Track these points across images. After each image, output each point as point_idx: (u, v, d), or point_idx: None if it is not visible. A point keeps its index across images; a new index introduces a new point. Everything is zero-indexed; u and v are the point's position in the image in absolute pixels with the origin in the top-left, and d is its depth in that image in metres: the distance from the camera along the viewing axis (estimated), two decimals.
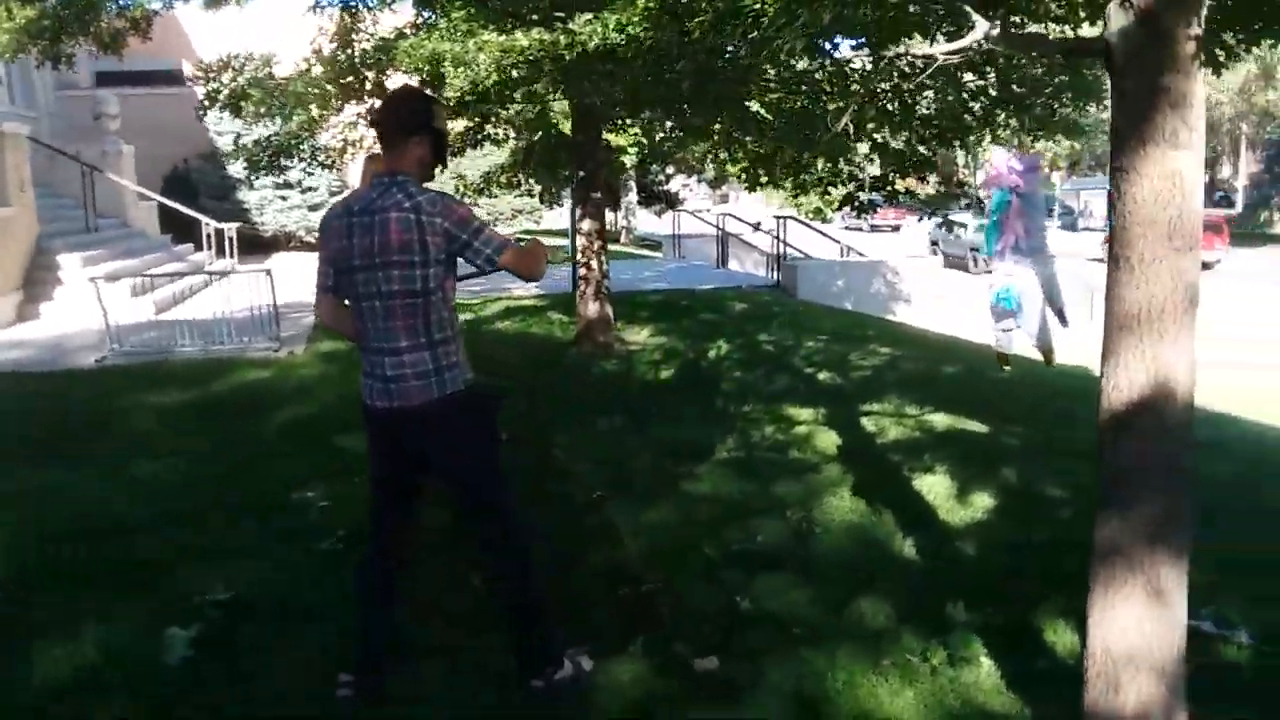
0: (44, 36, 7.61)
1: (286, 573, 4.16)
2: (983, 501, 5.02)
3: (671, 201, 31.07)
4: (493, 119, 9.32)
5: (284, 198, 23.35)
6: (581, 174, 9.13)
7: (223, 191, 22.87)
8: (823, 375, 8.35)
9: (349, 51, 8.23)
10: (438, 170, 3.25)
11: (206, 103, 8.55)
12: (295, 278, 15.85)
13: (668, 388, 7.95)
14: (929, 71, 6.14)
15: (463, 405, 3.13)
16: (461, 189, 12.07)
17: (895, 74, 6.56)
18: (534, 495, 5.11)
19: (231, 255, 16.67)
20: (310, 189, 23.65)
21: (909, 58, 5.26)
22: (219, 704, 3.17)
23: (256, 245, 22.14)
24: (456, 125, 9.28)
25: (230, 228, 16.83)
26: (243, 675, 3.33)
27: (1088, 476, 2.83)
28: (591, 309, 9.30)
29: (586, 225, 9.28)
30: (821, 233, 19.21)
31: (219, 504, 5.01)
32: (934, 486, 5.22)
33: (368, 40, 8.40)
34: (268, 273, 10.26)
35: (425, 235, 2.98)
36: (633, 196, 32.65)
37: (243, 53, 8.65)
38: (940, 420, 6.68)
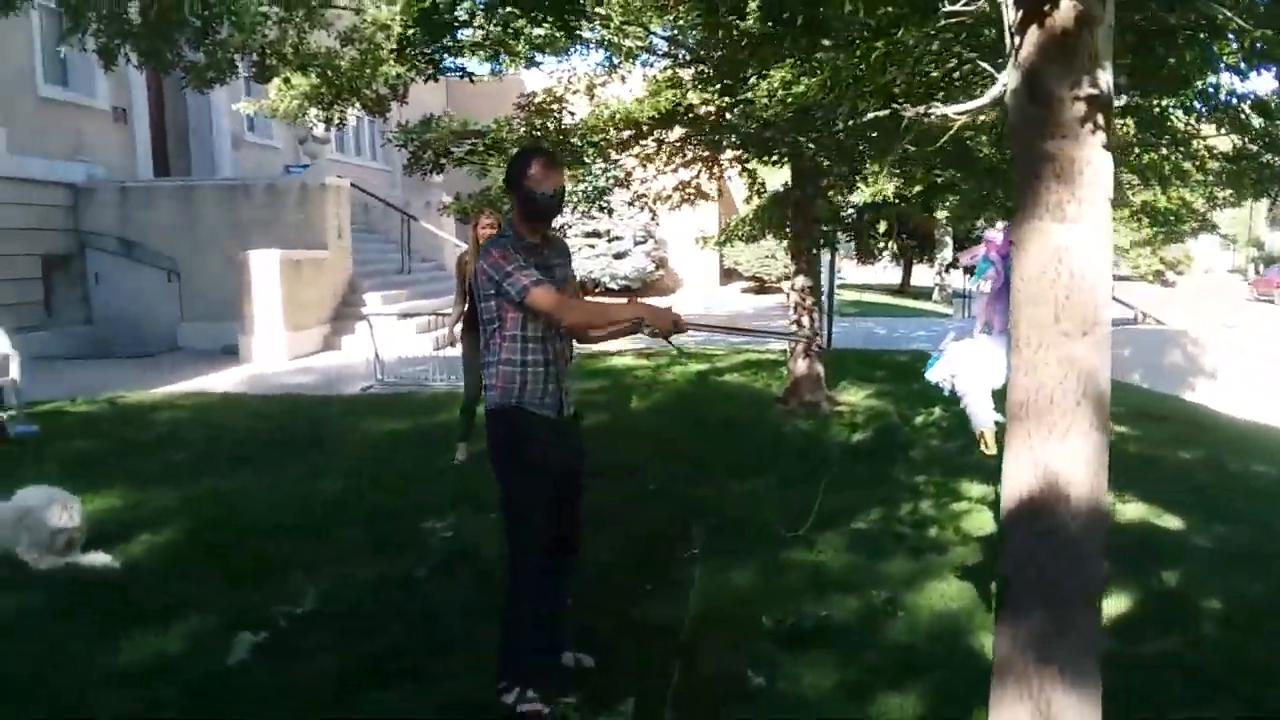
0: (322, 102, 8.71)
1: (371, 594, 4.53)
2: (1117, 607, 4.47)
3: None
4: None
5: (592, 246, 24.90)
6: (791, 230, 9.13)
7: None
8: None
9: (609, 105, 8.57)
10: (535, 222, 3.58)
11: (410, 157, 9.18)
12: None
13: (852, 450, 7.69)
14: None
15: (487, 424, 3.61)
16: (702, 241, 12.41)
17: None
18: (630, 541, 5.20)
19: None
20: (616, 238, 25.17)
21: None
22: (243, 709, 3.51)
23: None
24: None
25: None
26: (276, 688, 3.67)
27: None
28: (800, 366, 9.19)
29: (799, 281, 9.21)
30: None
31: (358, 522, 5.53)
32: None
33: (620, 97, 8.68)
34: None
35: (480, 277, 3.49)
36: (948, 253, 31.43)
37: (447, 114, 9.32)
38: (1133, 511, 6.00)
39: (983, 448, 3.37)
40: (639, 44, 7.67)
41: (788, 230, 9.62)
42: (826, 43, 4.23)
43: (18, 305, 12.94)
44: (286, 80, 8.36)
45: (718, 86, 7.22)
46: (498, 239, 3.59)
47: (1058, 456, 2.17)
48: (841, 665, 3.85)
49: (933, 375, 3.13)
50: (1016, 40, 2.10)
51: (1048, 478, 2.19)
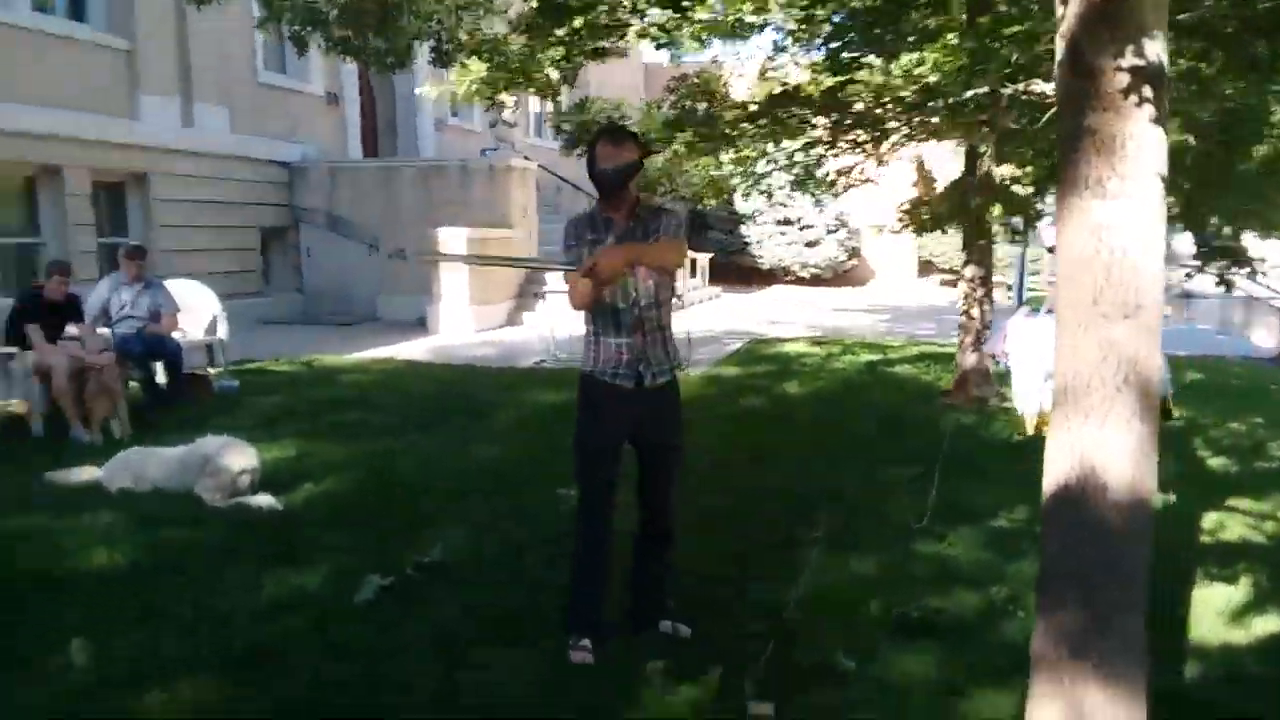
0: (497, 87, 9.10)
1: (499, 549, 4.79)
2: (1266, 627, 4.17)
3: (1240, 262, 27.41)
4: None
5: (783, 233, 24.69)
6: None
7: (731, 225, 24.84)
8: (1218, 460, 7.21)
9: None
10: (603, 197, 3.71)
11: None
12: (771, 308, 16.92)
13: (1010, 448, 7.40)
14: None
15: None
16: (875, 229, 12.15)
17: None
18: (761, 523, 5.25)
19: (707, 283, 18.21)
20: (808, 226, 24.87)
21: None
22: (358, 643, 3.81)
23: (754, 276, 23.80)
24: None
25: (703, 258, 18.37)
26: (389, 626, 3.96)
27: None
28: (969, 360, 8.88)
29: (970, 271, 8.90)
30: None
31: (503, 487, 5.82)
32: (1215, 599, 4.42)
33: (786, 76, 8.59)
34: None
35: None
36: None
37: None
38: None
39: (1021, 430, 3.18)
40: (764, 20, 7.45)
41: (961, 220, 9.29)
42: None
43: (240, 273, 14.18)
44: (463, 65, 8.77)
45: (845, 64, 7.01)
46: (576, 216, 3.83)
47: (1095, 445, 2.09)
48: (944, 658, 3.76)
49: (989, 347, 2.98)
50: (1060, 10, 2.03)
51: (1084, 466, 2.11)
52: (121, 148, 12.35)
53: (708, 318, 15.87)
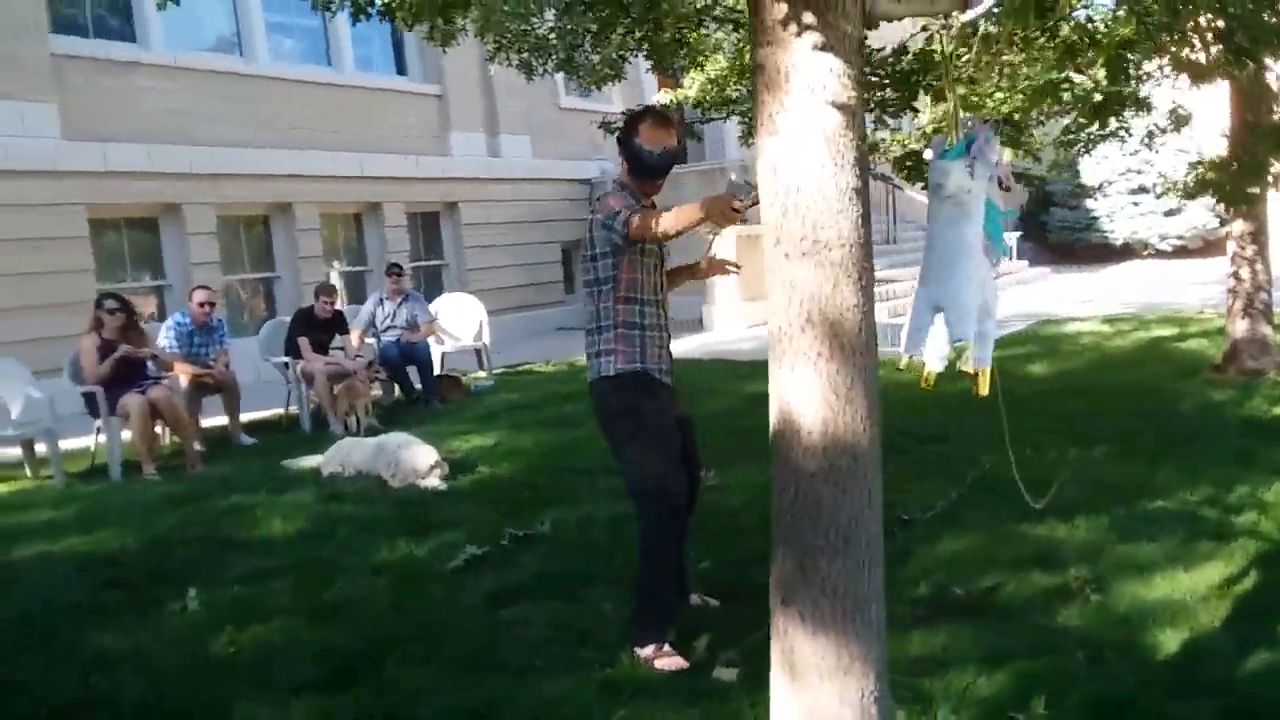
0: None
1: (606, 523, 5.05)
2: None
3: None
4: None
5: (1136, 204, 22.49)
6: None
7: (1076, 201, 23.07)
8: None
9: None
10: (644, 180, 3.61)
11: None
12: (1102, 286, 15.71)
13: (1267, 425, 6.46)
14: None
15: (603, 391, 3.62)
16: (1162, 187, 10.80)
17: None
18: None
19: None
20: (1167, 190, 22.45)
21: None
22: (420, 600, 4.26)
23: (1106, 254, 21.92)
24: None
25: (1011, 237, 17.30)
26: (460, 585, 4.37)
27: None
28: (1239, 328, 7.82)
29: (1239, 227, 7.82)
30: None
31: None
32: None
33: None
34: None
35: (592, 232, 3.55)
36: None
37: None
38: None
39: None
40: None
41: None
42: None
43: (541, 284, 15.47)
44: (699, 67, 9.04)
45: None
46: (615, 190, 3.60)
47: (788, 388, 1.99)
48: (956, 638, 3.53)
49: None
50: None
51: (782, 411, 2.01)
52: (435, 181, 13.98)
53: (1013, 300, 14.97)
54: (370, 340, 9.04)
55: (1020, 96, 4.18)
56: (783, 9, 1.90)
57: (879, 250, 16.82)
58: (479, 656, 3.65)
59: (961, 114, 2.84)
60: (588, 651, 3.63)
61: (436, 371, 9.48)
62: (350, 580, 4.52)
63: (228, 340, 8.25)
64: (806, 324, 1.96)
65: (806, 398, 1.98)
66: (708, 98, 9.19)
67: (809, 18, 1.89)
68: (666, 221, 3.31)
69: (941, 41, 3.41)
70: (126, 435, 7.12)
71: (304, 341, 8.21)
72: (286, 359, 8.37)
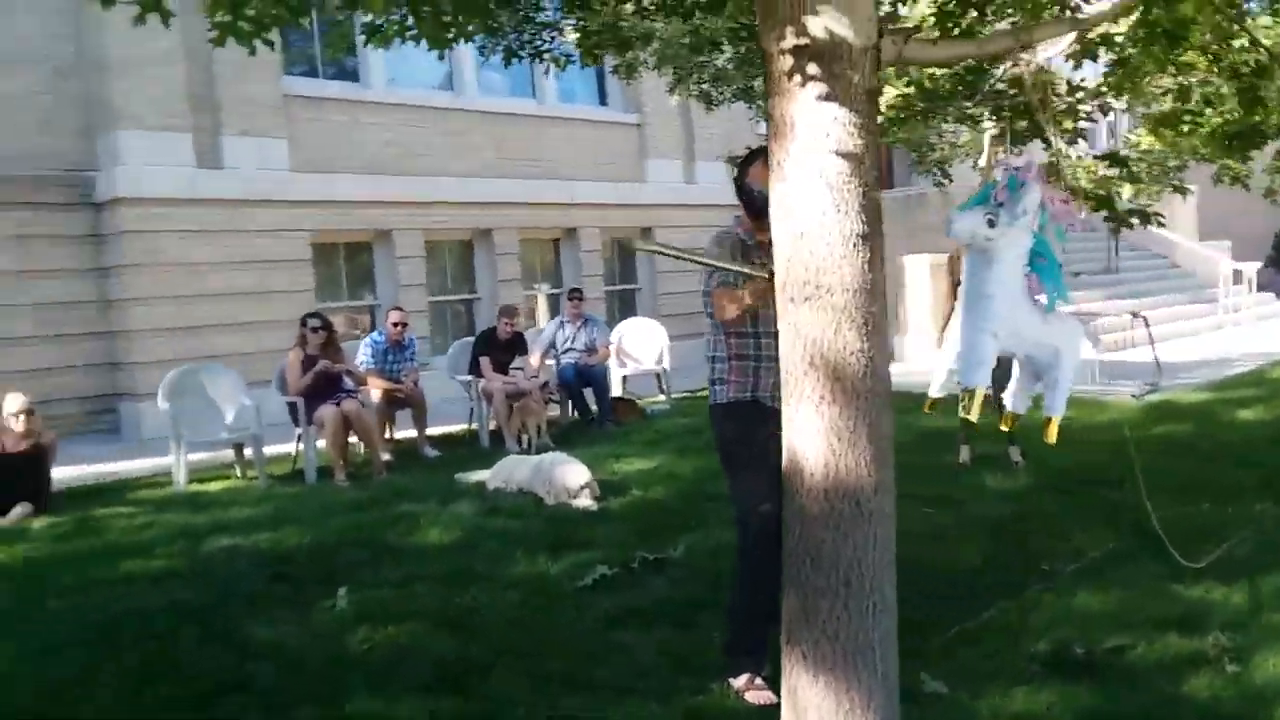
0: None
1: (719, 554, 5.09)
2: None
3: None
4: None
5: None
6: None
7: None
8: None
9: None
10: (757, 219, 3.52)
11: None
12: None
13: None
14: None
15: (718, 418, 3.75)
16: None
17: None
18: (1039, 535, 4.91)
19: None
20: None
21: None
22: (541, 616, 4.45)
23: None
24: None
25: (1250, 267, 15.95)
26: (584, 604, 4.53)
27: None
28: None
29: None
30: None
31: None
32: None
33: None
34: (1134, 314, 10.16)
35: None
36: None
37: None
38: None
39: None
40: None
41: None
42: None
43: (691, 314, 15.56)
44: None
45: None
46: (722, 233, 3.67)
47: (794, 429, 2.01)
48: (1082, 699, 3.36)
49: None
50: None
51: (789, 452, 2.03)
52: (631, 208, 14.39)
53: (1245, 337, 13.84)
54: (550, 362, 9.42)
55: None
56: (789, 61, 1.94)
57: (1099, 280, 15.91)
58: (581, 674, 3.78)
59: (1001, 157, 2.75)
60: (686, 678, 3.70)
61: (615, 394, 9.76)
62: (485, 591, 4.76)
63: (418, 359, 8.83)
64: (810, 367, 1.98)
65: (810, 440, 1.99)
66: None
67: (813, 69, 1.92)
68: (730, 310, 3.42)
69: (1024, 79, 3.29)
70: (322, 444, 7.76)
71: (485, 361, 8.67)
72: (469, 377, 8.86)
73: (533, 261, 13.84)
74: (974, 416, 2.58)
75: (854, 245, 1.94)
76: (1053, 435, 2.87)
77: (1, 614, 4.70)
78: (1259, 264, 17.33)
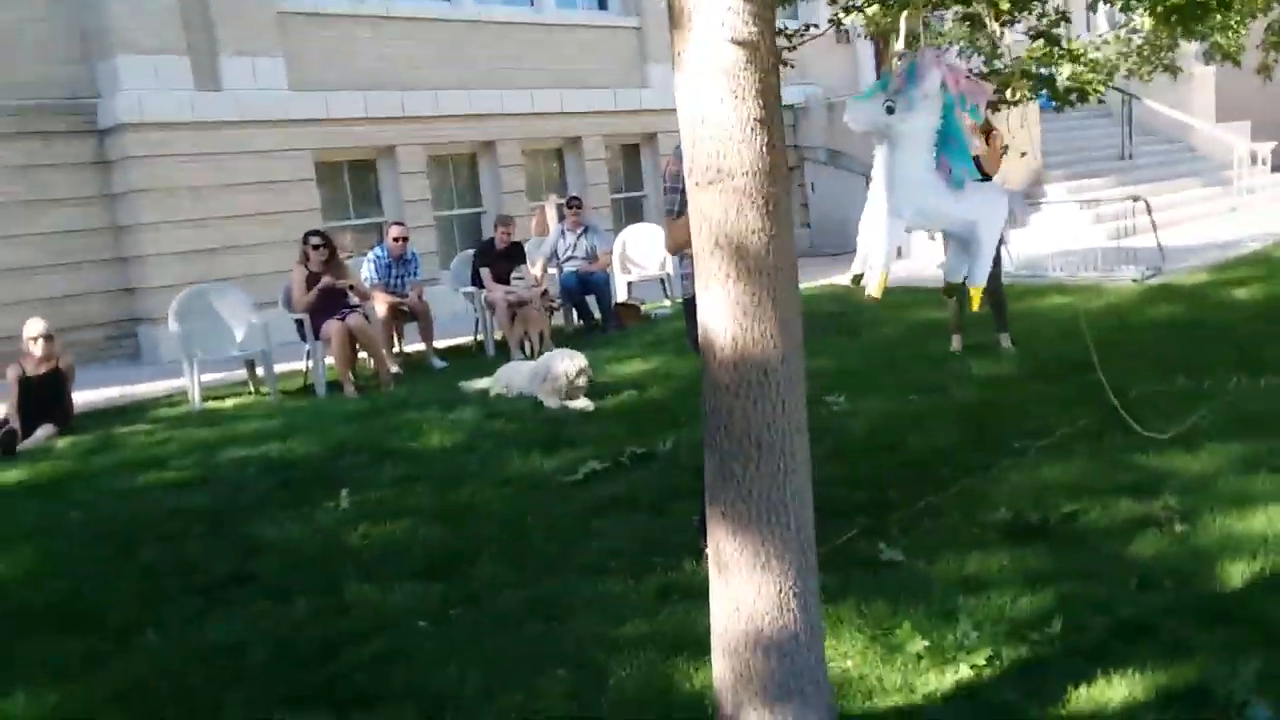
0: None
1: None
2: None
3: None
4: None
5: None
6: None
7: None
8: None
9: None
10: None
11: None
12: None
13: None
14: None
15: (689, 311, 3.95)
16: None
17: None
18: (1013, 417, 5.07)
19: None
20: None
21: None
22: (531, 507, 4.67)
23: None
24: None
25: (1265, 148, 15.70)
26: (571, 495, 4.76)
27: None
28: None
29: None
30: None
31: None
32: None
33: None
34: (1135, 199, 10.14)
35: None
36: None
37: None
38: None
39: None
40: None
41: None
42: None
43: None
44: None
45: None
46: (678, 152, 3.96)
47: (705, 307, 2.14)
48: (1030, 561, 3.54)
49: None
50: None
51: (702, 328, 2.16)
52: (634, 114, 14.31)
53: (1256, 218, 13.71)
54: (553, 271, 9.55)
55: None
56: None
57: (1112, 167, 15.72)
58: (562, 558, 4.00)
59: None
60: (659, 558, 3.90)
61: (620, 299, 9.90)
62: (479, 488, 5.00)
63: (423, 272, 8.99)
64: (715, 247, 2.11)
65: (718, 316, 2.13)
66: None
67: None
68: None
69: None
70: (330, 360, 7.97)
71: (485, 272, 8.82)
72: (472, 289, 9.02)
73: (537, 172, 13.85)
74: (876, 293, 2.70)
75: (751, 129, 2.05)
76: (975, 304, 3.03)
77: (27, 525, 4.99)
78: (1274, 144, 17.00)
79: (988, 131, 7.14)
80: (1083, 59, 5.59)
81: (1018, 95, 3.58)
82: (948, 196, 2.61)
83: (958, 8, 5.65)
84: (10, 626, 3.78)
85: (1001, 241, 6.58)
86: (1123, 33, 7.31)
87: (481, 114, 12.56)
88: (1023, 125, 14.44)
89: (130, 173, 10.11)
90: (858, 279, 2.82)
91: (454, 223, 13.10)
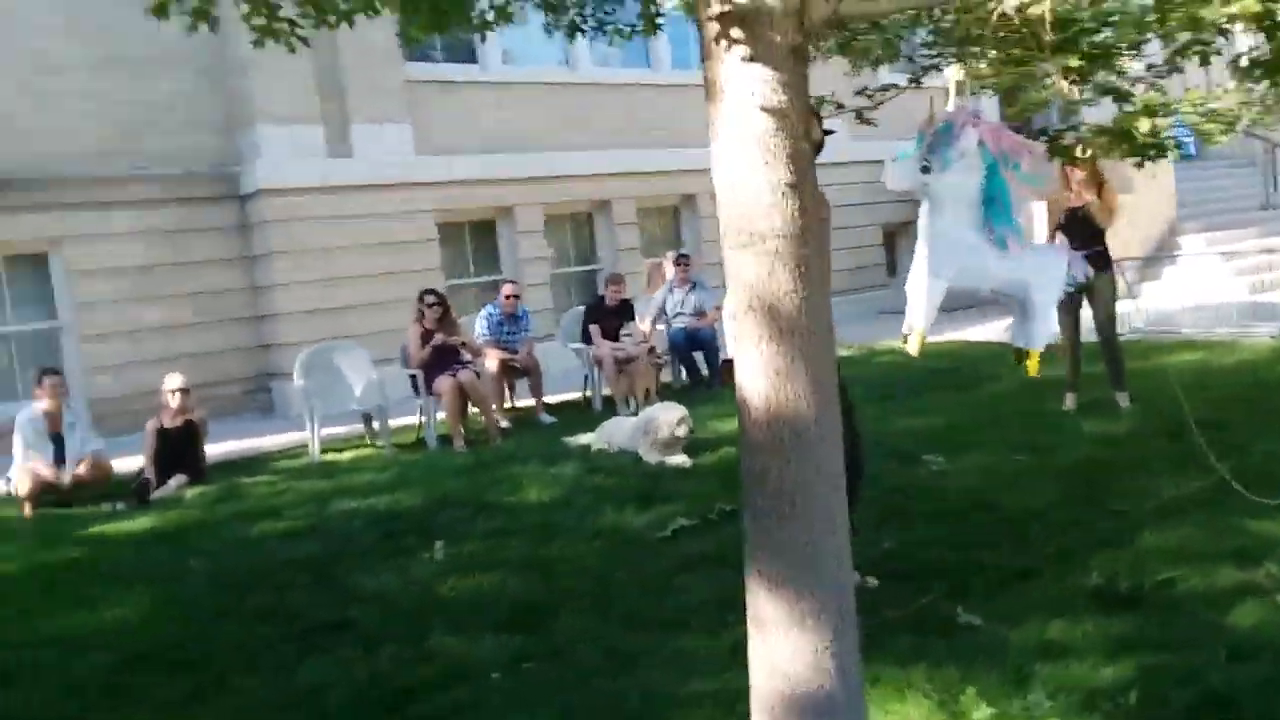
0: None
1: None
2: None
3: None
4: None
5: None
6: None
7: None
8: None
9: None
10: None
11: None
12: None
13: None
14: None
15: None
16: None
17: None
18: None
19: None
20: None
21: None
22: (614, 562, 4.73)
23: None
24: None
25: None
26: (659, 552, 4.80)
27: None
28: None
29: None
30: None
31: (900, 450, 6.08)
32: None
33: None
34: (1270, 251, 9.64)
35: None
36: None
37: None
38: None
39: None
40: None
41: None
42: None
43: (863, 268, 15.45)
44: None
45: None
46: None
47: (740, 365, 2.19)
48: (1117, 629, 3.41)
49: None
50: None
51: (739, 388, 2.21)
52: None
53: None
54: (661, 327, 9.67)
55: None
56: (715, 27, 2.11)
57: (1254, 218, 14.99)
58: (642, 613, 4.05)
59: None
60: (735, 615, 3.89)
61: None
62: (570, 542, 5.10)
63: (532, 329, 9.23)
64: (749, 309, 2.15)
65: (753, 376, 2.17)
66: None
67: (736, 33, 2.08)
68: None
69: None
70: (442, 415, 8.24)
71: (594, 328, 8.99)
72: (581, 345, 9.20)
73: (652, 229, 14.07)
74: (914, 351, 2.68)
75: (783, 194, 2.10)
76: (1033, 369, 2.93)
77: (151, 571, 5.31)
78: None
79: (1100, 184, 6.97)
80: (1199, 108, 5.40)
81: (1089, 153, 3.49)
82: (991, 256, 2.58)
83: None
84: (125, 664, 4.03)
85: (1118, 298, 6.35)
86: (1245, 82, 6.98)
87: (598, 173, 12.87)
88: (1154, 176, 13.97)
89: (268, 236, 10.74)
90: (908, 338, 2.81)
91: (569, 280, 13.40)
